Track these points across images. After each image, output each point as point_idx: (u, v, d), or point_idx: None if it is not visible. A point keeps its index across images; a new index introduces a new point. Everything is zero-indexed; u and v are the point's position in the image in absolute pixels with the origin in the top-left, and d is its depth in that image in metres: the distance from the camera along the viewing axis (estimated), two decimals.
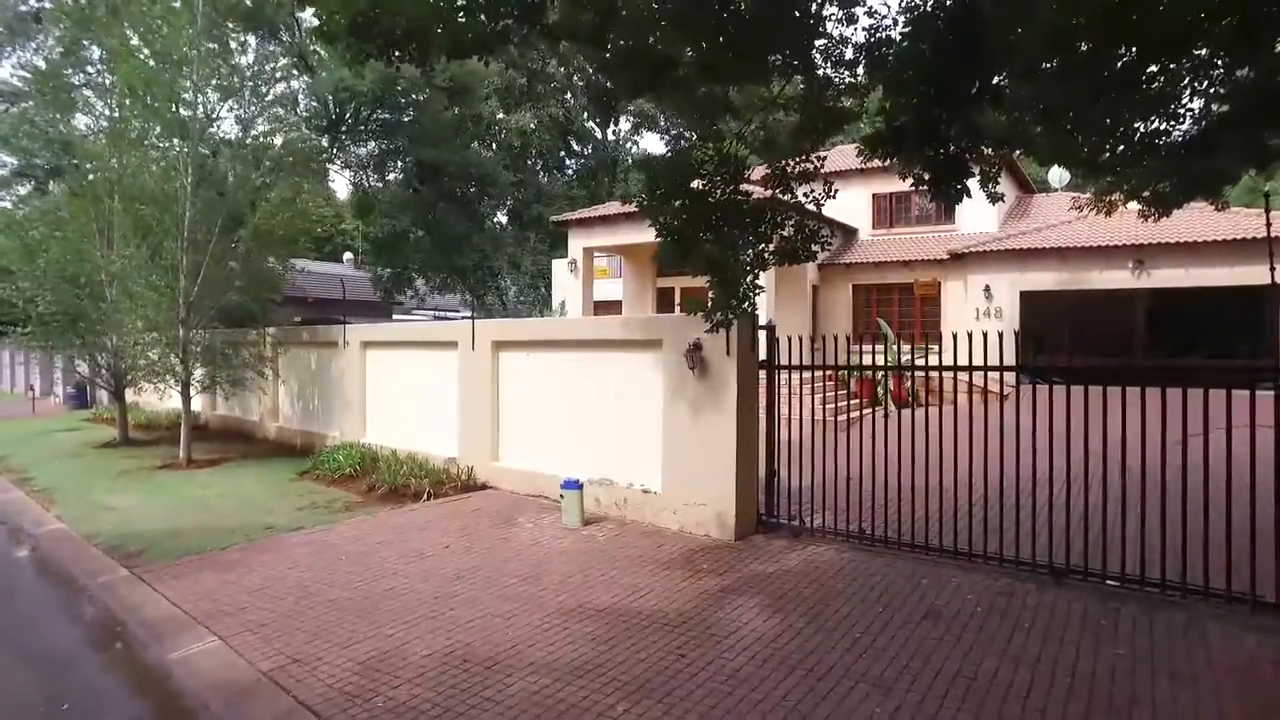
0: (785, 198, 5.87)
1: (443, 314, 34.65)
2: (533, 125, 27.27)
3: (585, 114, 31.07)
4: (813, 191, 5.73)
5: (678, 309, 19.67)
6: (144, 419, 15.36)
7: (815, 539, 6.36)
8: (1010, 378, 5.55)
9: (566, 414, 8.05)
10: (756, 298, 5.87)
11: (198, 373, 11.81)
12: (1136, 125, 5.26)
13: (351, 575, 5.79)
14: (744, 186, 5.81)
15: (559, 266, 23.10)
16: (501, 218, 29.28)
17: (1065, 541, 5.37)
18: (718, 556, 6.03)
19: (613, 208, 18.19)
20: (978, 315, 16.50)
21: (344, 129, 23.00)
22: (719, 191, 5.63)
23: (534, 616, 4.85)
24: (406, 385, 10.30)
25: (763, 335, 6.73)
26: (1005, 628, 4.48)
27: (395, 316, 33.02)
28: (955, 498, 5.49)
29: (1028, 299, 16.20)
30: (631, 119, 33.81)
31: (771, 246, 5.92)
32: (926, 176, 5.27)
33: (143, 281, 10.01)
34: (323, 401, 11.93)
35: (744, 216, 5.76)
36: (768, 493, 6.75)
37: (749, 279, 5.77)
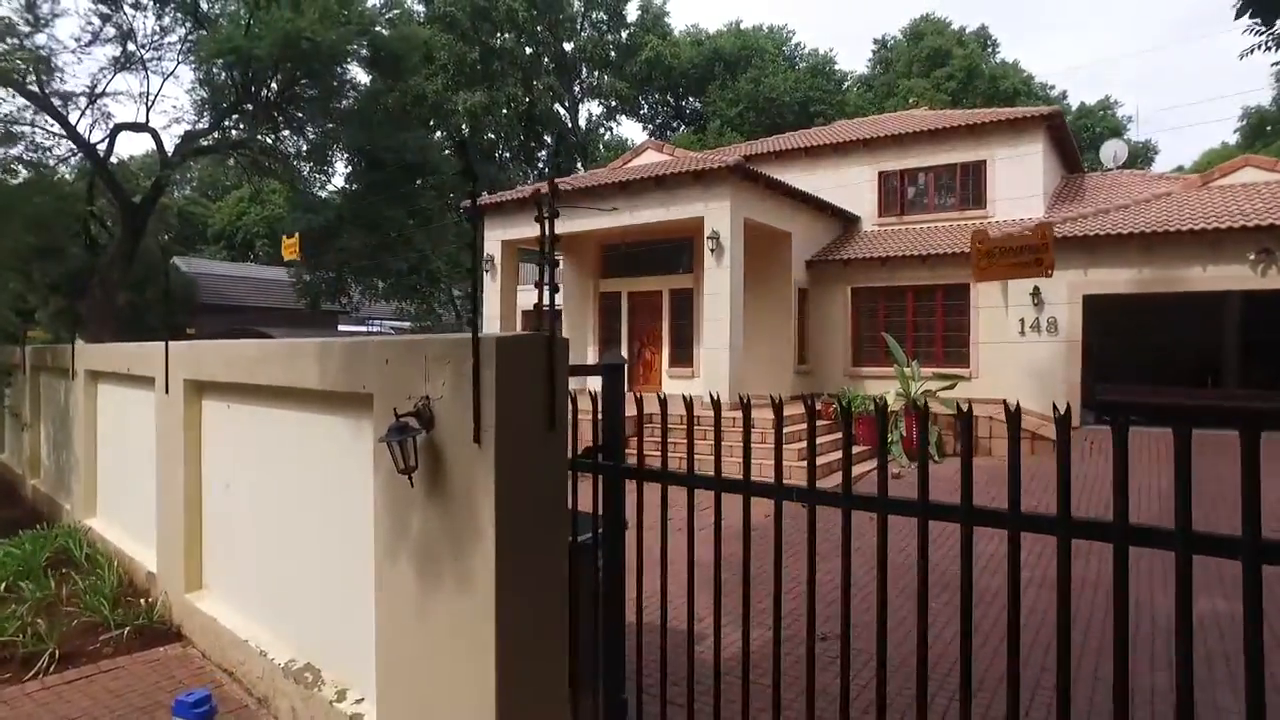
0: None
1: (375, 324, 30.72)
2: (484, 102, 23.17)
3: (550, 95, 27.14)
4: None
5: (624, 319, 15.67)
6: None
7: None
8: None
9: (272, 523, 4.20)
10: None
11: None
12: None
13: None
14: None
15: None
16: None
17: None
18: None
19: (540, 188, 14.11)
20: (1023, 329, 12.38)
21: (257, 106, 19.33)
22: None
23: None
24: (129, 442, 6.50)
25: (596, 386, 2.88)
26: None
27: (341, 328, 29.21)
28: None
29: (1094, 306, 12.01)
30: (603, 103, 29.98)
31: None
32: None
33: None
34: (67, 456, 8.16)
35: None
36: None
37: None
